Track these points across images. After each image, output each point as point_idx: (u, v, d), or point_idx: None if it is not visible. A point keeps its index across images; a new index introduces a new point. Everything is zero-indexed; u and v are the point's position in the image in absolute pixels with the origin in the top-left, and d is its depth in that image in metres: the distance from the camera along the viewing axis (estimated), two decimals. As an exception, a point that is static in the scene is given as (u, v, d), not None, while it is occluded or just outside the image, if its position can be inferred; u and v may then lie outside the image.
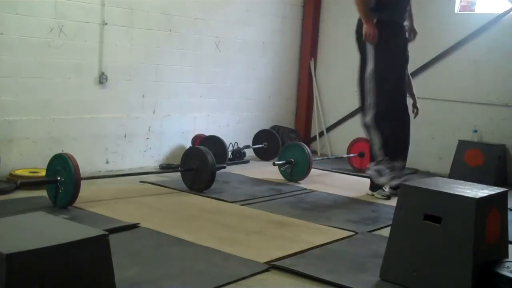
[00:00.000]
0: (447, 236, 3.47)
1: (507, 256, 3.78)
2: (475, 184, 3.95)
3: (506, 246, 3.89)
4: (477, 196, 3.46)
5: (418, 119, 7.39)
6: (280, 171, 7.05)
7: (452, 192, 3.56)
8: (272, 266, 3.92)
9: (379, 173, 6.01)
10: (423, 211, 3.58)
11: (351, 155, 7.91)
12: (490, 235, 3.57)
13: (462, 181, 4.00)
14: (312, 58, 9.47)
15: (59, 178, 5.03)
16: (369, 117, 5.93)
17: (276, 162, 6.98)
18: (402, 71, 5.71)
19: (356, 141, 7.91)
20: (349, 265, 4.03)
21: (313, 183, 6.94)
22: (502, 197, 3.80)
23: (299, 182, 6.86)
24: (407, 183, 3.88)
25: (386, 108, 5.81)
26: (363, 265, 4.02)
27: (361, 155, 7.89)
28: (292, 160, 6.93)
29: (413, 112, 6.61)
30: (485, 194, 3.56)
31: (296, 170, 6.93)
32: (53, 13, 6.18)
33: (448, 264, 3.45)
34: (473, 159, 7.72)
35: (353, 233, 4.87)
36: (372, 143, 6.11)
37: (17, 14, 5.92)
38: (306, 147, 7.07)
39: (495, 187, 3.87)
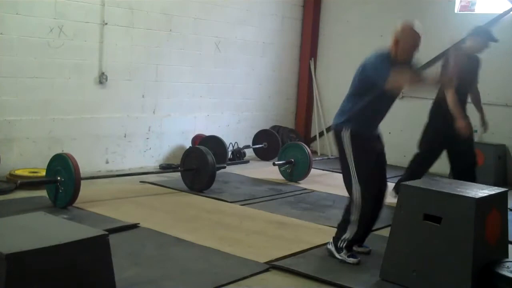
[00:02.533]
0: (447, 236, 3.46)
1: (507, 256, 3.78)
2: (475, 184, 3.94)
3: (506, 246, 3.89)
4: (477, 196, 3.46)
5: (419, 119, 7.39)
6: (280, 171, 7.05)
7: (452, 192, 3.56)
8: (272, 266, 3.92)
9: None
10: (423, 211, 3.58)
11: None
12: (490, 235, 3.56)
13: (462, 181, 4.00)
14: (312, 58, 9.46)
15: (59, 178, 5.03)
16: None
17: (276, 162, 6.98)
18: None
19: None
20: (349, 265, 4.03)
21: (313, 183, 6.93)
22: (502, 197, 3.79)
23: (299, 182, 6.86)
24: (407, 183, 3.88)
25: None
26: (363, 265, 4.01)
27: None
28: (292, 160, 6.92)
29: (482, 126, 6.12)
30: (485, 194, 3.56)
31: (296, 170, 6.93)
32: (53, 13, 6.18)
33: (448, 264, 3.45)
34: (473, 159, 7.71)
35: (353, 233, 4.86)
36: None
37: (17, 14, 5.91)
38: (306, 147, 7.08)
39: (495, 187, 3.87)
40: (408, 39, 4.12)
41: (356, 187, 4.15)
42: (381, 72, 3.94)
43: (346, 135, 4.12)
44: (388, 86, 3.92)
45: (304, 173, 6.94)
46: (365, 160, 4.12)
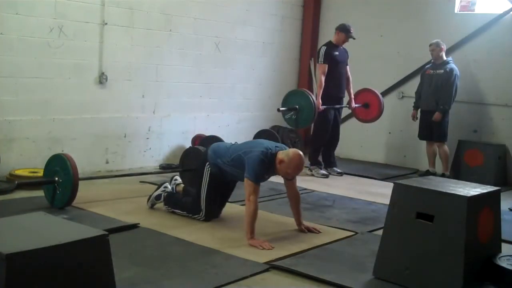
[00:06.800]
0: (439, 234, 3.48)
1: (499, 255, 3.79)
2: (468, 183, 3.96)
3: (499, 245, 3.89)
4: (469, 195, 3.47)
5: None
6: (285, 119, 7.13)
7: (444, 191, 3.57)
8: (272, 266, 3.92)
9: None
10: (416, 209, 3.59)
11: (355, 105, 7.83)
12: (482, 234, 3.58)
13: (455, 180, 4.01)
14: (312, 58, 9.46)
15: (56, 178, 5.01)
16: None
17: (280, 108, 6.99)
18: None
19: (360, 92, 7.90)
20: (349, 265, 4.03)
21: (313, 183, 6.93)
22: (494, 196, 3.80)
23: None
24: (400, 181, 3.89)
25: None
26: (363, 265, 4.01)
27: (365, 106, 7.90)
28: (297, 106, 6.90)
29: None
30: (477, 193, 3.57)
31: (301, 117, 6.95)
32: (53, 13, 6.18)
33: (440, 262, 3.47)
34: (473, 159, 7.72)
35: (353, 233, 4.87)
36: None
37: (17, 14, 5.92)
38: (309, 93, 7.15)
39: (488, 186, 3.87)
40: (291, 167, 4.49)
41: None
42: (253, 174, 4.50)
43: None
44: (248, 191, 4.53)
45: (310, 120, 6.97)
46: None
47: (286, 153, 4.52)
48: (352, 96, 7.69)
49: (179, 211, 5.07)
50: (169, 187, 5.32)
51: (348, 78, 7.62)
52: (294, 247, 4.35)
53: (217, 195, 5.00)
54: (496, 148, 7.71)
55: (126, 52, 6.94)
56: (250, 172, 4.49)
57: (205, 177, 4.91)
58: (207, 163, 4.92)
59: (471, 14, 8.20)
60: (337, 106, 7.54)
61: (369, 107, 7.89)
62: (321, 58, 7.29)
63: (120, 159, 7.01)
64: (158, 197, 5.26)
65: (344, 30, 7.36)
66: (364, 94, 7.90)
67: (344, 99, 7.64)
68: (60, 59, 6.32)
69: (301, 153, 4.54)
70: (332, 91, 7.29)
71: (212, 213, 4.98)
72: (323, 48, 7.33)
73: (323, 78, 7.23)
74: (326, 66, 7.27)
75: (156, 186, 5.47)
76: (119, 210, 5.09)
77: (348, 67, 7.60)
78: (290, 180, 4.75)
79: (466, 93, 7.90)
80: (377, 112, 7.89)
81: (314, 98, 7.12)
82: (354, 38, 7.39)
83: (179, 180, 5.50)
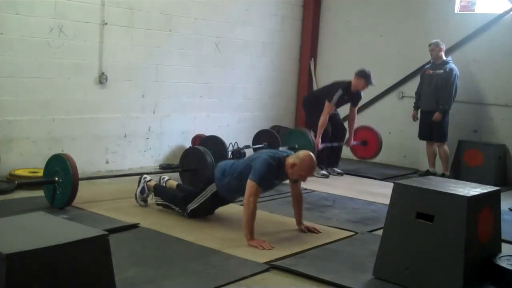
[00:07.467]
0: (439, 234, 3.48)
1: (499, 255, 3.79)
2: (468, 183, 3.96)
3: (499, 245, 3.89)
4: (469, 195, 3.47)
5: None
6: None
7: (444, 191, 3.57)
8: (272, 266, 3.92)
9: None
10: (416, 209, 3.59)
11: (354, 142, 7.94)
12: (482, 233, 3.58)
13: (455, 179, 4.01)
14: (312, 58, 9.46)
15: (56, 178, 5.01)
16: None
17: (280, 149, 7.05)
18: None
19: (358, 129, 8.00)
20: (349, 265, 4.03)
21: (313, 183, 6.93)
22: (494, 196, 3.80)
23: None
24: (400, 181, 3.89)
25: None
26: (363, 265, 4.01)
27: (364, 143, 8.00)
28: (296, 146, 7.00)
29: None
30: (477, 193, 3.57)
31: None
32: (53, 13, 6.18)
33: (440, 262, 3.47)
34: (473, 159, 7.72)
35: (353, 233, 4.87)
36: None
37: (17, 14, 5.92)
38: (309, 132, 7.33)
39: (488, 186, 3.87)
40: (304, 168, 4.45)
41: None
42: (258, 175, 4.41)
43: None
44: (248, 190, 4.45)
45: None
46: None
47: (296, 156, 4.50)
48: (352, 135, 7.82)
49: (167, 203, 5.10)
50: (148, 177, 5.35)
51: (353, 118, 7.77)
52: (294, 247, 4.35)
53: (208, 211, 5.03)
54: (496, 148, 7.72)
55: (126, 52, 6.94)
56: (255, 173, 4.45)
57: (206, 193, 4.89)
58: (214, 183, 4.85)
59: (471, 14, 8.20)
60: (336, 144, 7.69)
61: (368, 145, 8.04)
62: (333, 100, 7.36)
63: (120, 159, 7.01)
64: (142, 191, 5.30)
65: (364, 76, 7.35)
66: (363, 131, 8.06)
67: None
68: (60, 59, 6.32)
69: (311, 153, 4.53)
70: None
71: (196, 218, 4.98)
72: (340, 92, 7.36)
73: (327, 118, 7.38)
74: (334, 108, 7.47)
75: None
76: (119, 210, 5.09)
77: (356, 108, 7.73)
78: (301, 182, 4.75)
79: (466, 93, 7.90)
80: (375, 150, 8.05)
81: (313, 138, 7.28)
82: (373, 85, 7.44)
83: (167, 177, 5.49)
